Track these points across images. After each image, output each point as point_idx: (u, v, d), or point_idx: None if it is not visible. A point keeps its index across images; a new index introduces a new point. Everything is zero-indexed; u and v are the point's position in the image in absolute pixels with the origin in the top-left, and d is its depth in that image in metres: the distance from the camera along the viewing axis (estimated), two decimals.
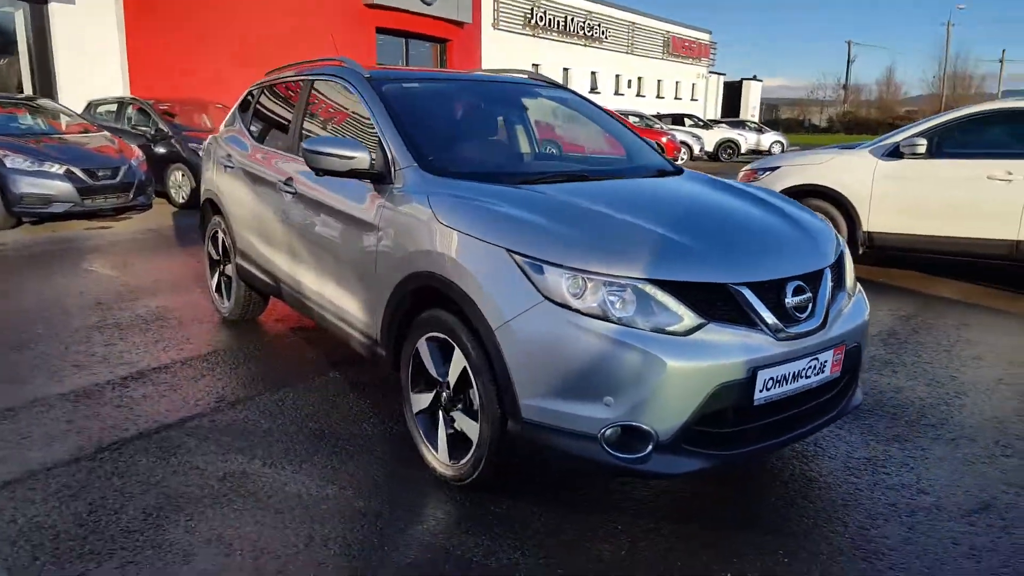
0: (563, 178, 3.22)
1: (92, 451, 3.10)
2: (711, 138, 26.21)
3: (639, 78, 32.49)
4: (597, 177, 3.35)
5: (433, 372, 2.87)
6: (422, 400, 2.97)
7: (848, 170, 6.94)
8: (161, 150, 10.76)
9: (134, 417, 3.45)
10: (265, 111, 4.57)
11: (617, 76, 30.94)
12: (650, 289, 2.37)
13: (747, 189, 3.38)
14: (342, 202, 3.36)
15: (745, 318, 2.44)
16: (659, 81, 34.23)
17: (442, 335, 2.78)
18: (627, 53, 31.27)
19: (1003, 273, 6.83)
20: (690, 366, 2.32)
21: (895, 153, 6.68)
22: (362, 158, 3.12)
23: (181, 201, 10.71)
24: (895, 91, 74.70)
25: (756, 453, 2.58)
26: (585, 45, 28.30)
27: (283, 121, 4.26)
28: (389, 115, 3.33)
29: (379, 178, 3.17)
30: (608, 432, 2.37)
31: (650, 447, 2.37)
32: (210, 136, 5.26)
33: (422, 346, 2.90)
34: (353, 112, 3.67)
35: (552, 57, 26.61)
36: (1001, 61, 61.15)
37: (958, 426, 3.56)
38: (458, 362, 2.70)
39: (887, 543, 2.56)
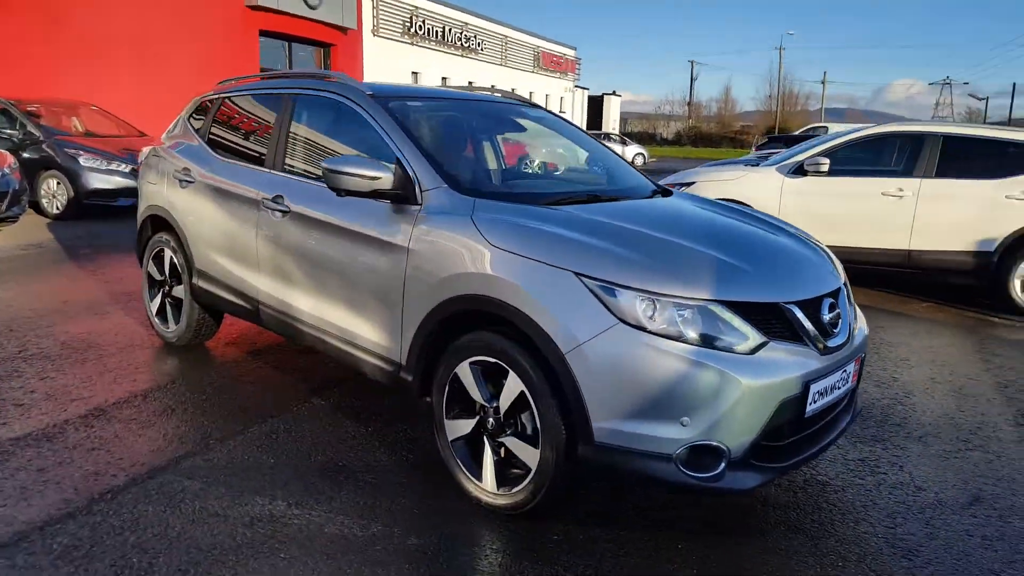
0: (583, 199, 3.24)
1: (85, 503, 2.76)
2: None
3: (512, 90, 33.06)
4: (611, 197, 3.39)
5: (478, 397, 2.79)
6: (460, 427, 2.88)
7: (759, 186, 7.43)
8: (31, 156, 9.72)
9: (116, 461, 3.11)
10: (232, 124, 4.28)
11: (492, 87, 31.32)
12: (719, 310, 2.44)
13: (747, 211, 3.55)
14: (356, 223, 3.20)
15: (795, 335, 2.57)
16: (531, 93, 34.97)
17: (491, 359, 2.72)
18: (501, 65, 31.75)
19: (897, 279, 7.54)
20: (760, 383, 2.41)
21: (800, 171, 7.22)
22: (386, 178, 3.01)
23: (56, 212, 9.72)
24: (732, 107, 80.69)
25: (802, 463, 2.71)
26: (462, 56, 28.45)
27: (259, 136, 4.00)
28: (405, 134, 3.22)
29: (401, 199, 3.06)
30: (682, 452, 2.40)
31: (723, 465, 2.43)
32: (149, 147, 4.83)
33: (464, 371, 2.82)
34: (350, 129, 3.52)
35: (431, 66, 26.55)
36: (823, 82, 67.38)
37: (919, 424, 3.90)
38: (513, 387, 2.65)
39: (915, 540, 2.76)
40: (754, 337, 2.46)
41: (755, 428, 2.45)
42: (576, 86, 43.53)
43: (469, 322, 2.84)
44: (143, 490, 2.87)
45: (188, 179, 4.24)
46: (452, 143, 3.54)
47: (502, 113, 4.11)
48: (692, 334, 2.41)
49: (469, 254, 2.76)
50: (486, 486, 2.80)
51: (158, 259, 4.59)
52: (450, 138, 3.61)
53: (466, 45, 28.41)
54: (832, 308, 2.75)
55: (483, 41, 29.79)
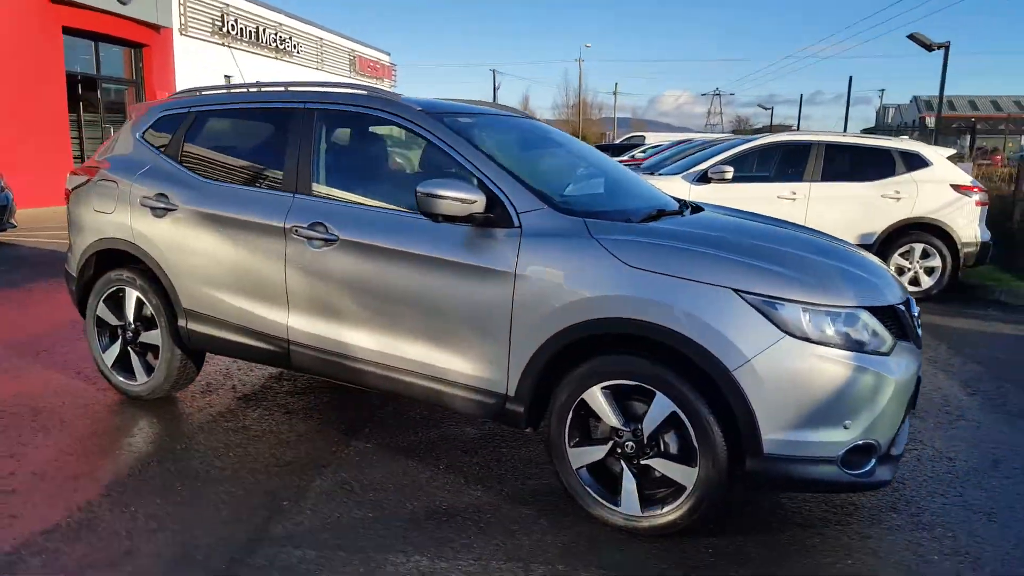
0: (655, 214, 3.26)
1: (222, 568, 2.35)
2: None
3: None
4: (673, 212, 3.43)
5: (613, 422, 2.74)
6: (590, 454, 2.82)
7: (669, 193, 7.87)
8: None
9: (193, 540, 2.66)
10: (219, 142, 3.80)
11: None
12: (864, 316, 2.61)
13: (785, 221, 3.78)
14: (436, 250, 2.99)
15: (904, 333, 2.80)
16: None
17: (631, 382, 2.68)
18: (317, 69, 30.54)
19: None
20: (902, 380, 2.62)
21: (704, 179, 7.75)
22: (481, 201, 2.88)
23: None
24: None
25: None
26: (277, 58, 26.97)
27: (267, 156, 3.59)
28: (482, 153, 3.06)
29: (491, 222, 2.91)
30: (843, 453, 2.54)
31: (874, 460, 2.61)
32: (81, 170, 4.11)
33: (593, 396, 2.76)
34: (400, 148, 3.28)
35: (244, 69, 24.93)
36: (615, 93, 72.26)
37: None
38: (661, 408, 2.64)
39: (985, 500, 3.12)
40: (889, 338, 2.65)
41: (896, 422, 2.65)
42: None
43: (601, 346, 2.77)
44: (258, 569, 2.49)
45: (166, 207, 3.68)
46: (520, 161, 3.40)
47: (535, 129, 4.01)
48: (848, 340, 2.55)
49: (603, 277, 2.70)
50: (625, 510, 2.76)
51: (113, 301, 3.95)
52: (515, 155, 3.47)
53: (281, 47, 27.00)
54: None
55: (299, 43, 28.46)
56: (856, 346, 2.55)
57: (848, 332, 2.56)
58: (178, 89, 19.61)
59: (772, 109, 46.12)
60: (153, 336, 3.87)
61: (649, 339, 2.65)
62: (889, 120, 68.37)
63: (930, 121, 54.31)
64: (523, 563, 2.58)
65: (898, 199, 7.71)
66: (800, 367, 2.49)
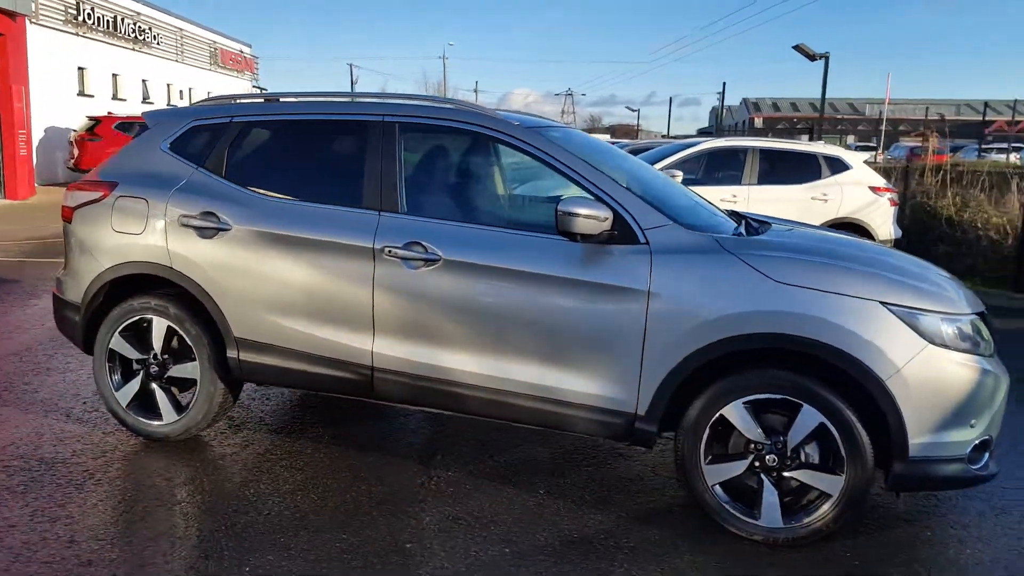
0: (748, 228, 3.32)
1: None
2: None
3: (190, 88, 29.91)
4: (750, 226, 3.48)
5: (753, 436, 2.78)
6: (726, 470, 2.84)
7: None
8: None
9: None
10: (281, 156, 3.52)
11: (168, 85, 27.98)
12: (978, 322, 2.80)
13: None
14: (558, 269, 2.91)
15: (987, 337, 3.03)
16: (209, 93, 32.07)
17: (776, 395, 2.73)
18: (177, 62, 28.49)
19: None
20: (1005, 379, 2.83)
21: None
22: (609, 218, 2.83)
23: None
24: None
25: None
26: (135, 49, 24.88)
27: (337, 171, 3.34)
28: (597, 169, 3.00)
29: (615, 239, 2.87)
30: (969, 451, 2.72)
31: (987, 454, 2.81)
32: (88, 185, 3.60)
33: (733, 411, 2.78)
34: (505, 165, 3.14)
35: (100, 60, 22.83)
36: (475, 91, 72.75)
37: None
38: (807, 420, 2.70)
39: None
40: (991, 341, 2.86)
41: (1000, 418, 2.86)
42: (255, 86, 41.18)
43: (730, 362, 2.79)
44: None
45: (216, 226, 3.31)
46: (616, 175, 3.33)
47: (591, 140, 3.93)
48: (972, 345, 2.73)
49: (751, 293, 2.72)
50: (765, 523, 2.80)
51: (134, 332, 3.51)
52: (611, 170, 3.40)
53: (139, 38, 24.92)
54: None
55: (158, 34, 26.39)
56: (976, 350, 2.73)
57: (972, 337, 2.74)
58: (31, 84, 17.67)
59: (639, 111, 48.09)
60: (187, 369, 3.47)
61: (796, 352, 2.71)
62: (721, 121, 73.86)
63: (759, 122, 58.92)
64: None
65: (826, 200, 8.30)
66: (940, 373, 2.64)
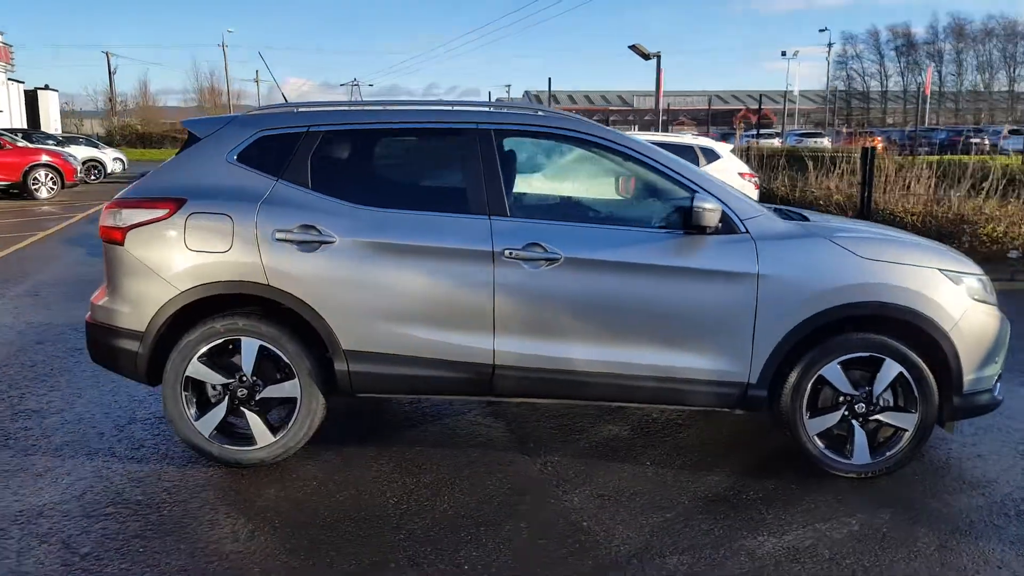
0: (787, 214, 3.86)
1: None
2: (79, 156, 23.24)
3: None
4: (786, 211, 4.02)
5: (847, 390, 3.30)
6: (826, 421, 3.35)
7: None
8: None
9: None
10: (371, 165, 3.52)
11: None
12: (986, 279, 3.53)
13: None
14: (685, 260, 3.23)
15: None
16: None
17: (865, 354, 3.27)
18: None
19: None
20: (1008, 324, 3.60)
21: None
22: (720, 212, 3.21)
23: None
24: (153, 103, 75.60)
25: None
26: None
27: (445, 178, 3.40)
28: (693, 169, 3.36)
29: (719, 230, 3.25)
30: (995, 382, 3.46)
31: (1000, 384, 3.56)
32: (142, 203, 3.32)
33: (831, 371, 3.28)
34: (609, 169, 3.41)
35: None
36: (256, 80, 69.65)
37: None
38: (889, 371, 3.27)
39: None
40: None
41: None
42: (9, 79, 36.60)
43: (839, 326, 3.28)
44: None
45: (319, 239, 3.24)
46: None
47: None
48: (993, 298, 3.45)
49: (845, 269, 3.23)
50: (857, 461, 3.35)
51: (216, 356, 3.33)
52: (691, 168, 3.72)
53: None
54: None
55: None
56: (994, 301, 3.46)
57: (991, 292, 3.46)
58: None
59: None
60: (285, 389, 3.35)
61: (880, 316, 3.25)
62: None
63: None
64: (841, 517, 3.03)
65: None
66: (981, 323, 3.33)
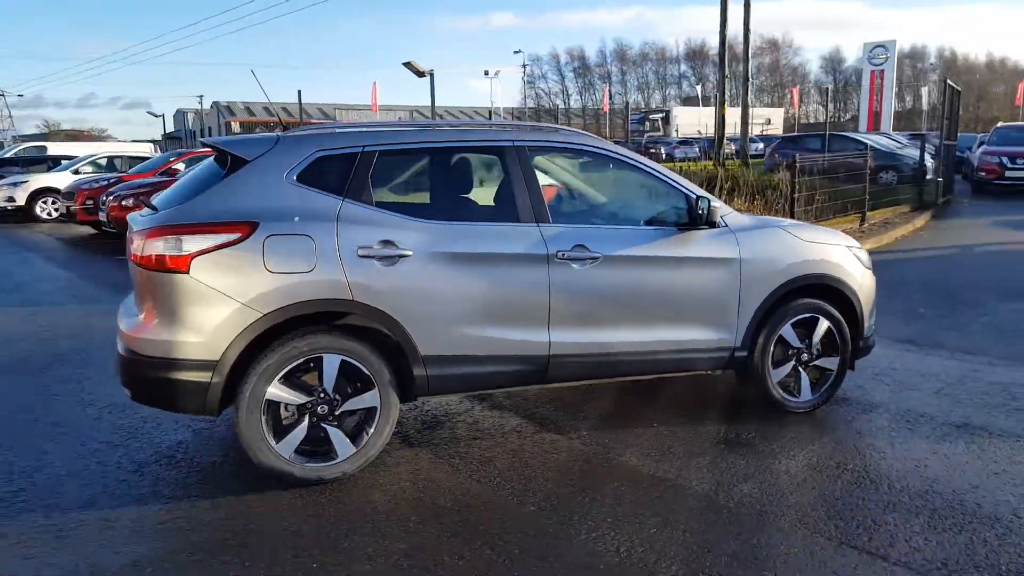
0: None
1: None
2: None
3: None
4: None
5: (796, 344, 4.33)
6: (781, 372, 4.33)
7: None
8: None
9: None
10: (424, 181, 3.77)
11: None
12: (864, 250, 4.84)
13: None
14: (693, 251, 3.99)
15: None
16: None
17: (808, 315, 4.32)
18: None
19: None
20: None
21: None
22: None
23: None
24: None
25: None
26: None
27: (491, 192, 3.75)
28: (675, 175, 4.13)
29: (707, 224, 4.05)
30: (874, 327, 4.77)
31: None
32: (204, 228, 3.18)
33: (786, 331, 4.29)
34: (622, 177, 4.05)
35: None
36: None
37: None
38: (823, 327, 4.37)
39: None
40: None
41: None
42: None
43: (795, 295, 4.26)
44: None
45: (398, 254, 3.41)
46: None
47: None
48: (870, 264, 4.74)
49: (796, 251, 4.24)
50: (804, 399, 4.40)
51: (299, 375, 3.35)
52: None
53: None
54: None
55: None
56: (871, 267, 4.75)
57: (869, 261, 4.72)
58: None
59: (163, 115, 44.23)
60: (365, 400, 3.47)
61: (818, 285, 4.30)
62: (190, 125, 72.26)
63: (236, 126, 60.39)
64: (793, 433, 4.01)
65: None
66: (869, 284, 4.57)
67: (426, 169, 3.85)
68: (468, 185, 3.87)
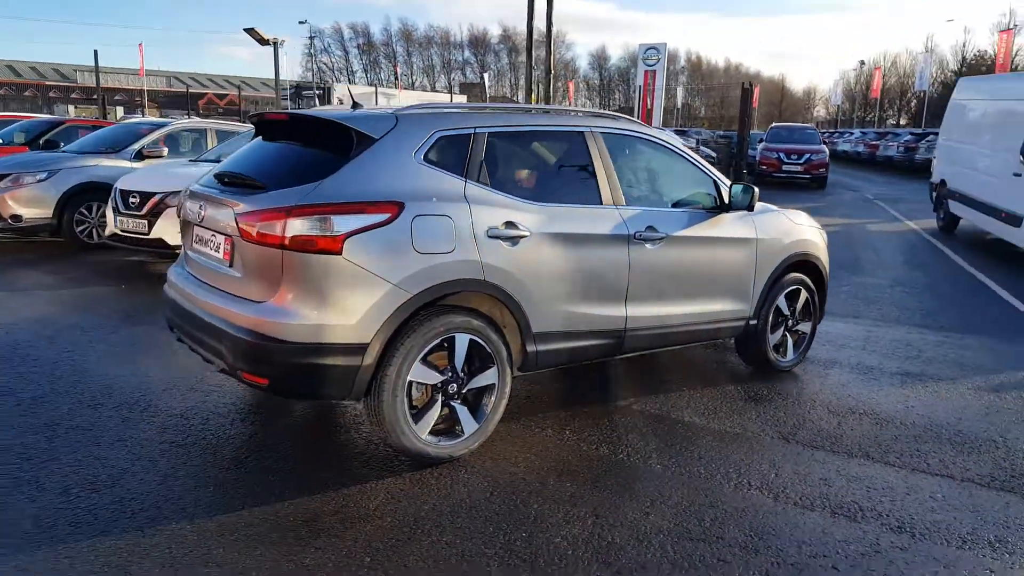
0: None
1: None
2: None
3: None
4: None
5: (784, 312, 5.04)
6: (776, 337, 5.03)
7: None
8: None
9: None
10: (525, 163, 3.86)
11: None
12: None
13: None
14: (725, 231, 4.48)
15: None
16: None
17: (795, 287, 5.05)
18: None
19: None
20: None
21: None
22: None
23: None
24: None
25: None
26: None
27: (577, 174, 3.99)
28: (705, 163, 4.62)
29: (727, 208, 4.60)
30: None
31: None
32: (349, 207, 3.05)
33: (780, 301, 4.99)
34: (666, 162, 4.43)
35: None
36: None
37: None
38: (805, 296, 5.13)
39: None
40: None
41: None
42: None
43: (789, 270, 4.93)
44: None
45: (519, 234, 3.50)
46: None
47: None
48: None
49: (792, 231, 4.93)
50: (791, 359, 5.14)
51: (430, 355, 3.35)
52: None
53: None
54: None
55: None
56: None
57: None
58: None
59: None
60: (488, 376, 3.54)
61: (802, 261, 5.03)
62: None
63: None
64: (811, 386, 4.74)
65: None
66: (827, 257, 5.41)
67: (526, 152, 3.94)
68: (560, 168, 4.03)
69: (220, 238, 3.44)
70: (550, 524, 3.01)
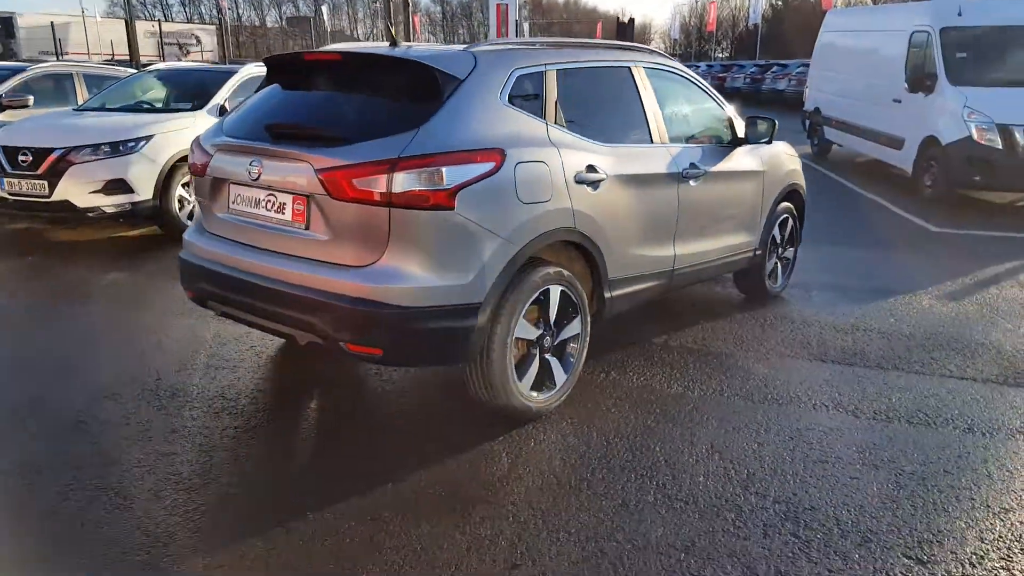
0: None
1: None
2: None
3: None
4: None
5: (778, 240, 5.30)
6: (771, 264, 5.28)
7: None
8: None
9: None
10: (589, 101, 3.70)
11: None
12: None
13: None
14: (742, 165, 4.59)
15: None
16: None
17: (786, 215, 5.31)
18: None
19: None
20: None
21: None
22: None
23: None
24: None
25: None
26: None
27: (623, 110, 3.89)
28: (720, 96, 4.69)
29: (741, 141, 4.72)
30: None
31: None
32: (457, 157, 2.80)
33: (775, 231, 5.23)
34: (692, 96, 4.44)
35: None
36: None
37: None
38: (788, 224, 5.40)
39: None
40: None
41: None
42: None
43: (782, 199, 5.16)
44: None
45: (598, 178, 3.40)
46: None
47: None
48: None
49: (787, 163, 5.14)
50: (779, 285, 5.44)
51: (534, 307, 3.24)
52: None
53: None
54: None
55: None
56: None
57: None
58: None
59: None
60: (575, 326, 3.47)
61: (791, 191, 5.27)
62: None
63: None
64: (767, 313, 5.07)
65: None
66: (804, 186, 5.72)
67: (589, 89, 3.74)
68: (617, 105, 3.90)
69: (286, 197, 3.07)
70: (683, 465, 3.05)
